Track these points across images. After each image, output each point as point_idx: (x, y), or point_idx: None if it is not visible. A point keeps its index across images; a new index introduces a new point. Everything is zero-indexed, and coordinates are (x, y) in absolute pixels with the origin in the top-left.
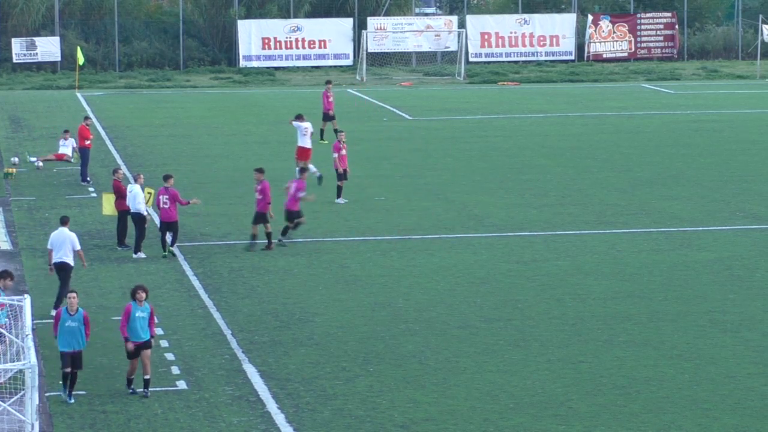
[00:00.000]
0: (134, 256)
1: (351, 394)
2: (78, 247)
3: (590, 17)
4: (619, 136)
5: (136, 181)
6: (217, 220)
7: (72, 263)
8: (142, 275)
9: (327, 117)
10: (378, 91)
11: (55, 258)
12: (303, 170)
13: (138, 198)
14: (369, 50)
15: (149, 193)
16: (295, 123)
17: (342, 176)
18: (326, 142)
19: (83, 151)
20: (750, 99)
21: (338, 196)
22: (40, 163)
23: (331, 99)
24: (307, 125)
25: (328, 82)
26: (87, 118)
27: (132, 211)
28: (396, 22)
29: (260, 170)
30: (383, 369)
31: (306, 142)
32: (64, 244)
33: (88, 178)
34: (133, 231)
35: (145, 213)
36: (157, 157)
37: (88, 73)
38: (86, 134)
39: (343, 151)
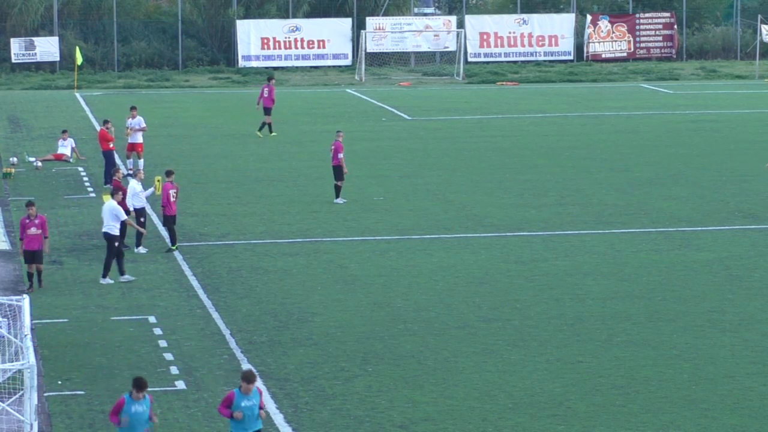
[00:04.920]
0: (135, 251)
1: (350, 394)
2: (123, 216)
3: (589, 17)
4: (618, 136)
5: (135, 176)
6: (216, 220)
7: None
8: (141, 275)
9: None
10: (377, 91)
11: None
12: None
13: (134, 192)
14: (368, 50)
15: (158, 180)
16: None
17: (340, 176)
18: (275, 134)
19: (107, 154)
20: (749, 99)
21: (336, 196)
22: (39, 163)
23: (266, 94)
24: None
25: (270, 78)
26: (107, 121)
27: (133, 207)
28: (395, 22)
29: (32, 204)
30: (382, 369)
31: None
32: (106, 215)
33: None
34: (133, 230)
35: (145, 205)
36: (155, 157)
37: (87, 73)
38: (108, 137)
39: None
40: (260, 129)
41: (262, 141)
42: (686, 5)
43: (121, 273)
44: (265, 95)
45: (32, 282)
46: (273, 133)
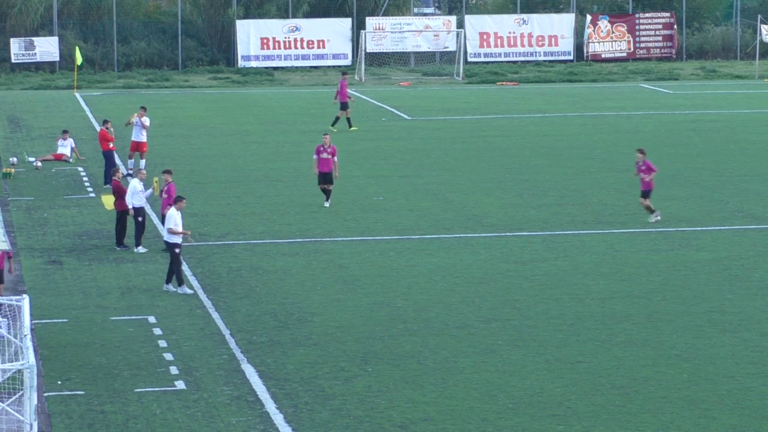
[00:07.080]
0: (135, 250)
1: (349, 394)
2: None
3: (589, 17)
4: (618, 136)
5: (135, 176)
6: (216, 220)
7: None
8: (141, 275)
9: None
10: (377, 91)
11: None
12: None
13: (135, 191)
14: (367, 50)
15: (156, 181)
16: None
17: (321, 180)
18: (335, 130)
19: (107, 154)
20: (748, 99)
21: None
22: (39, 163)
23: (342, 90)
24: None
25: (344, 73)
26: (106, 121)
27: (132, 206)
28: (395, 22)
29: None
30: (382, 369)
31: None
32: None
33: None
34: (132, 230)
35: (144, 205)
36: (155, 157)
37: (87, 73)
38: (108, 137)
39: (324, 155)
40: (349, 125)
41: (261, 141)
42: (686, 5)
43: (180, 283)
44: (339, 90)
45: None
46: (353, 127)
